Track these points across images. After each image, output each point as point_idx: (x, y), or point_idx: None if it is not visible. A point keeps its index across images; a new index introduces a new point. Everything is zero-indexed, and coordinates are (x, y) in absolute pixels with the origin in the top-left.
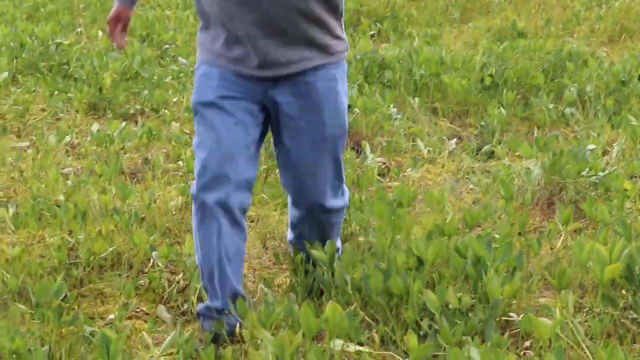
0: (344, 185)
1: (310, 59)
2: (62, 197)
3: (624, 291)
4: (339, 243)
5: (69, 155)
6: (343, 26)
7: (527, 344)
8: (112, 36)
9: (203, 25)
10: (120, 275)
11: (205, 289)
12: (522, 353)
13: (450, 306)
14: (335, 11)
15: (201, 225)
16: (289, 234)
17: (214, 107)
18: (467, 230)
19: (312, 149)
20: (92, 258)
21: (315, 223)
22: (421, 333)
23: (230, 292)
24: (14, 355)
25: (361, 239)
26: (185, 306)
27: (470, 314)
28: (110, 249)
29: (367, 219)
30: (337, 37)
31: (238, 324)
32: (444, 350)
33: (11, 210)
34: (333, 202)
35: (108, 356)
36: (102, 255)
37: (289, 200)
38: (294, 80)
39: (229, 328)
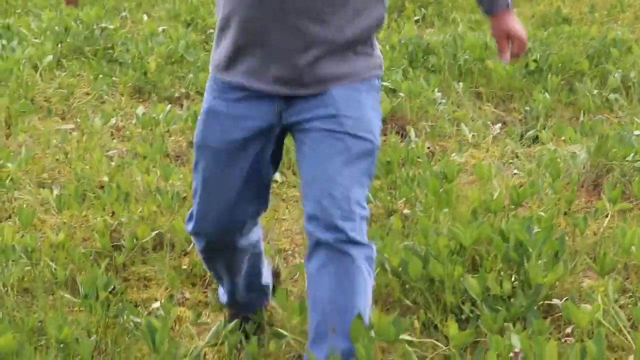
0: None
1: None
2: (105, 179)
3: None
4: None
5: (113, 138)
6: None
7: (569, 330)
8: None
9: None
10: (163, 257)
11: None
12: (563, 340)
13: (491, 292)
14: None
15: (204, 261)
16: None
17: (217, 154)
18: (512, 207)
19: (333, 157)
20: (135, 241)
21: (335, 264)
22: (463, 317)
23: (252, 309)
24: (62, 345)
25: (406, 211)
26: None
27: (512, 299)
28: (153, 233)
29: (414, 193)
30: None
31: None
32: (485, 336)
33: (55, 192)
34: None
35: (154, 345)
36: (145, 240)
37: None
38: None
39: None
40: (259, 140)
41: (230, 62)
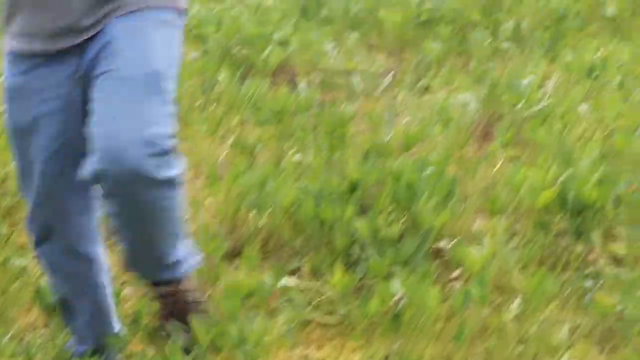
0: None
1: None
2: None
3: (558, 217)
4: (185, 252)
5: None
6: None
7: (455, 274)
8: None
9: None
10: None
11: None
12: (450, 284)
13: (380, 234)
14: None
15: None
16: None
17: (26, 135)
18: (404, 151)
19: (120, 91)
20: None
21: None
22: (353, 260)
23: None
24: None
25: (298, 155)
26: None
27: (401, 241)
28: None
29: (304, 140)
30: None
31: None
32: (373, 279)
33: None
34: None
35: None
36: None
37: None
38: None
39: None
40: (65, 110)
41: (7, 22)
